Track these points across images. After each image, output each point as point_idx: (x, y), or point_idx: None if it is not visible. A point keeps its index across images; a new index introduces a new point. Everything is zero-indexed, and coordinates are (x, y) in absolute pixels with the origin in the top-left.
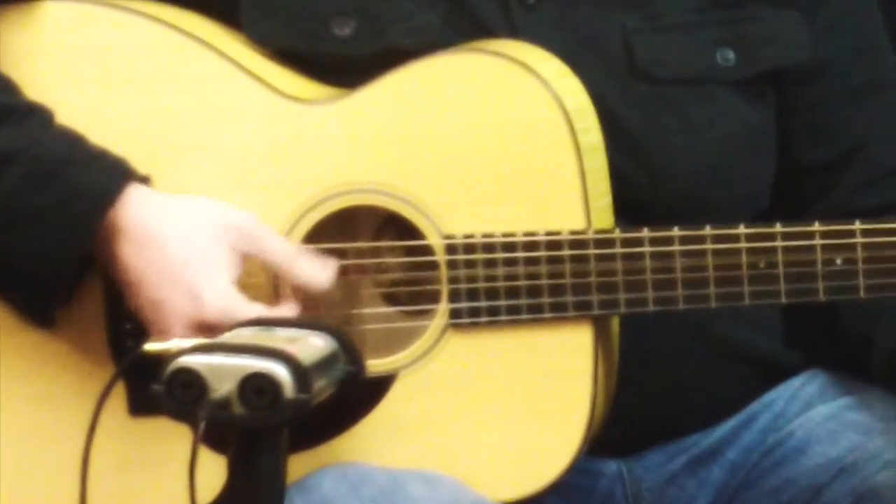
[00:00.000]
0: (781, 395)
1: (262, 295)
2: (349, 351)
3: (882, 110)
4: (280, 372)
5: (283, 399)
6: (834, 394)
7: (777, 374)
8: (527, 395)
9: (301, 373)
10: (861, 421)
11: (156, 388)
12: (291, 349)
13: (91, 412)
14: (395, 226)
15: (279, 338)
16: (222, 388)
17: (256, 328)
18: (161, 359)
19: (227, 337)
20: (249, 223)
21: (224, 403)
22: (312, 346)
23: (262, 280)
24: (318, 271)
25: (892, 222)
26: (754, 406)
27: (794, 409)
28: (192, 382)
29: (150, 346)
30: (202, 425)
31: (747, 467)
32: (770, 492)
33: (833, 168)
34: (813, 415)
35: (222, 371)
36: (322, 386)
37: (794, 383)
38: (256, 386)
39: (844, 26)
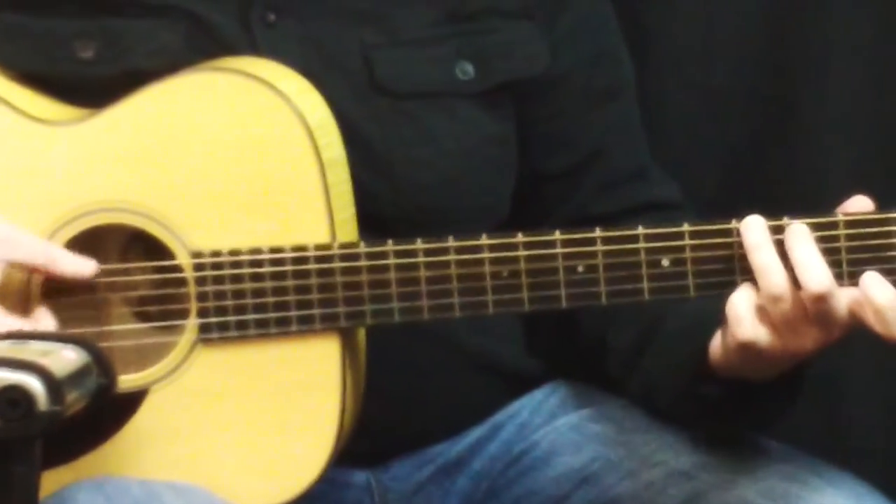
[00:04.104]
0: (526, 406)
1: (13, 308)
2: (102, 364)
3: (619, 115)
4: (34, 384)
5: (36, 411)
6: (576, 404)
7: (520, 383)
8: (277, 406)
9: (54, 385)
10: (604, 432)
11: None
12: (45, 362)
13: None
14: (142, 243)
15: (33, 350)
16: None
17: (10, 341)
18: None
19: None
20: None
21: None
22: (65, 359)
23: (14, 294)
24: (79, 262)
25: (631, 228)
26: (499, 416)
27: (538, 420)
28: None
29: None
30: None
31: (492, 477)
32: (513, 501)
33: (573, 174)
34: (557, 425)
35: None
36: (75, 398)
37: (539, 394)
38: (10, 398)
39: (581, 35)
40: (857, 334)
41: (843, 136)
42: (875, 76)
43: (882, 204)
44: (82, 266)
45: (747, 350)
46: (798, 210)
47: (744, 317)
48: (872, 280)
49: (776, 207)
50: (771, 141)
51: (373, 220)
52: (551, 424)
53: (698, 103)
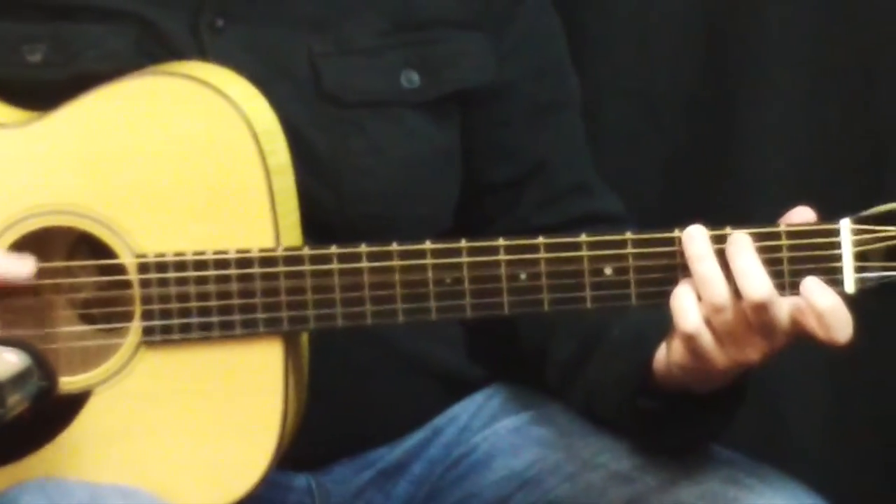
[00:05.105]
0: (466, 409)
1: None
2: (42, 366)
3: (563, 129)
4: None
5: None
6: (517, 408)
7: (461, 388)
8: (220, 409)
9: None
10: (543, 435)
11: None
12: None
13: None
14: (88, 246)
15: None
16: None
17: None
18: None
19: None
20: None
21: None
22: (6, 361)
23: None
24: (15, 264)
25: (574, 236)
26: (440, 420)
27: (478, 423)
28: None
29: None
30: None
31: (432, 480)
32: None
33: (515, 185)
34: (497, 428)
35: None
36: (16, 400)
37: (479, 397)
38: None
39: (528, 48)
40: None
41: (780, 141)
42: (812, 82)
43: (820, 206)
44: (19, 267)
45: (691, 351)
46: (737, 214)
47: (688, 308)
48: (814, 285)
49: (715, 212)
50: (710, 146)
51: (317, 227)
52: (491, 427)
53: (637, 110)
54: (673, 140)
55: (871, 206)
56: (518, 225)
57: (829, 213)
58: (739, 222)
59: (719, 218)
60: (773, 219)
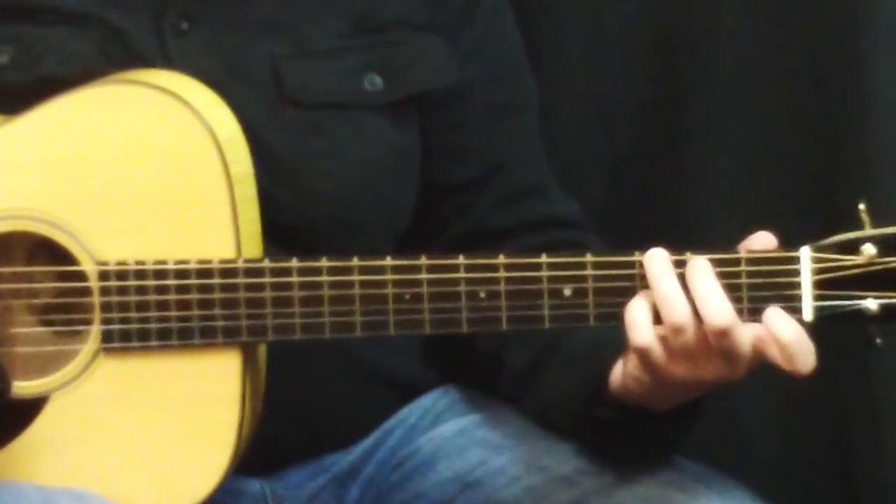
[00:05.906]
0: (414, 411)
1: None
2: None
3: (520, 131)
4: None
5: None
6: (464, 410)
7: (415, 394)
8: (176, 417)
9: None
10: (489, 437)
11: None
12: None
13: None
14: (49, 252)
15: None
16: None
17: None
18: None
19: None
20: None
21: None
22: None
23: None
24: None
25: (534, 256)
26: (390, 422)
27: (424, 424)
28: None
29: None
30: None
31: (378, 482)
32: None
33: (472, 187)
34: (443, 430)
35: None
36: None
37: (427, 399)
38: None
39: (486, 50)
40: None
41: (730, 144)
42: (762, 85)
43: (770, 209)
44: None
45: (645, 365)
46: (686, 217)
47: (641, 322)
48: (776, 315)
49: (665, 215)
50: (660, 149)
51: (277, 230)
52: (437, 429)
53: (587, 112)
54: (623, 143)
55: (818, 210)
56: (474, 226)
57: (778, 215)
58: (691, 225)
59: (669, 222)
60: (723, 222)
